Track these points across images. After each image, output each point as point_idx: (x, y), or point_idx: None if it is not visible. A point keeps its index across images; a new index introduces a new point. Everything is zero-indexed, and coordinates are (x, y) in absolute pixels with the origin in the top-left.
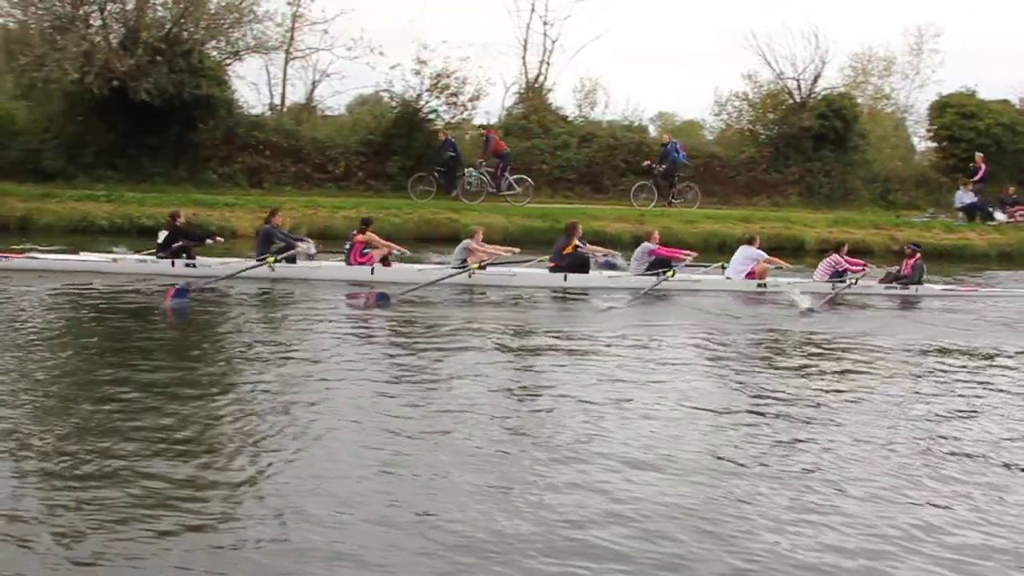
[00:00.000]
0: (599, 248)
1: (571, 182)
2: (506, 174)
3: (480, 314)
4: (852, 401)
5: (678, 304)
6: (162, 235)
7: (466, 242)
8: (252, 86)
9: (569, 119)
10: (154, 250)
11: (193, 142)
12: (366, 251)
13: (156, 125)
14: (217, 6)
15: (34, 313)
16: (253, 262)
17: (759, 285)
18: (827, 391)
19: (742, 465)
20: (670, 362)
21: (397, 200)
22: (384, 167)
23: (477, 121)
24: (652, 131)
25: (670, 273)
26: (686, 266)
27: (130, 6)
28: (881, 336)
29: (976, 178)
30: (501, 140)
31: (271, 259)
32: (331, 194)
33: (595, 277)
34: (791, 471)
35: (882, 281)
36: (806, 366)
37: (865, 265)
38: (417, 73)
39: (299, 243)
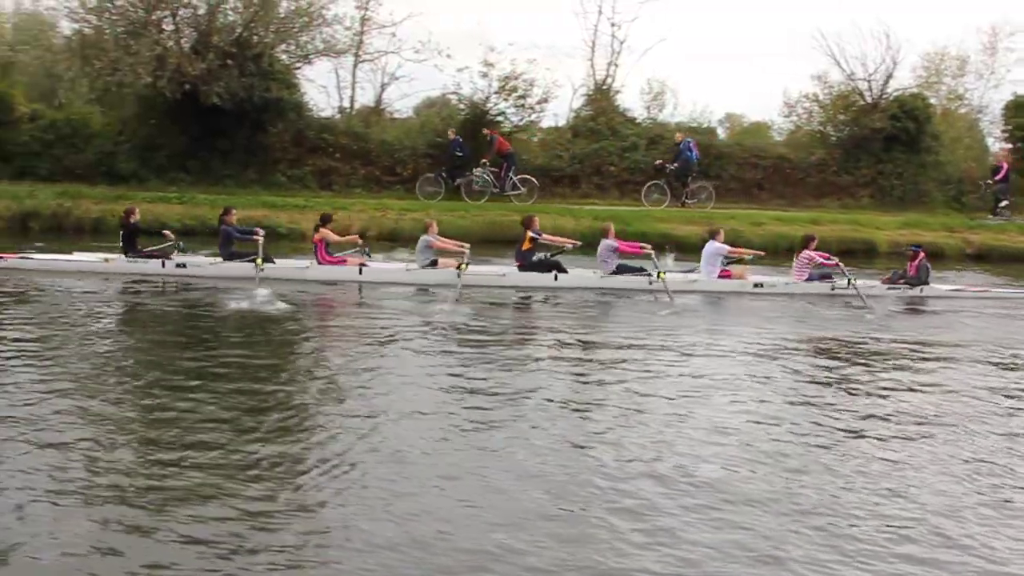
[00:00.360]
0: (559, 239)
1: (639, 184)
2: (510, 174)
3: (492, 317)
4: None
5: (681, 308)
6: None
7: (425, 238)
8: (322, 89)
9: (637, 121)
10: (120, 250)
11: (263, 145)
12: (335, 252)
13: (227, 128)
14: (287, 10)
15: (69, 313)
16: (249, 265)
17: (755, 285)
18: (877, 397)
19: (809, 485)
20: (697, 369)
21: (465, 203)
22: None
23: (544, 124)
24: (720, 133)
25: (663, 274)
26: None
27: (202, 11)
28: (915, 339)
29: (997, 177)
30: (505, 140)
31: (259, 260)
32: (400, 196)
33: (586, 276)
34: (869, 494)
35: (886, 281)
36: (842, 369)
37: (830, 258)
38: (485, 75)
39: (255, 237)
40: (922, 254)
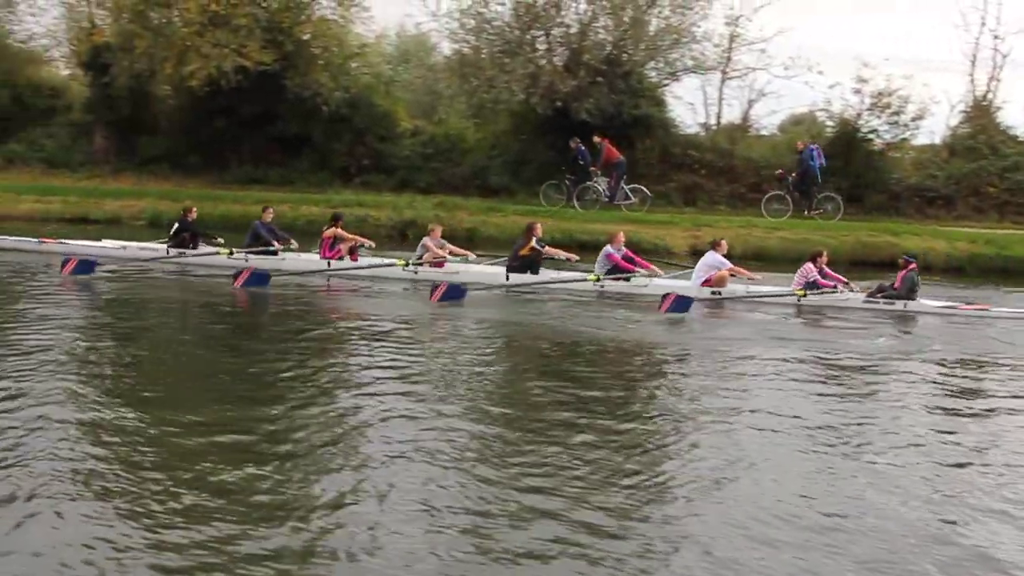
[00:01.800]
0: (560, 251)
1: (1022, 206)
2: (621, 183)
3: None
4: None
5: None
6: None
7: (424, 239)
8: (688, 106)
9: (1021, 139)
10: (166, 239)
11: (630, 160)
12: (335, 245)
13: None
14: (657, 28)
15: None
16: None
17: (712, 292)
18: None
19: None
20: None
21: (836, 222)
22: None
23: (918, 141)
24: None
25: (599, 278)
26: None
27: (574, 30)
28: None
29: None
30: (614, 147)
31: (224, 251)
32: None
33: (540, 275)
34: None
35: (870, 294)
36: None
37: (840, 282)
38: (857, 92)
39: (276, 242)
40: (912, 265)
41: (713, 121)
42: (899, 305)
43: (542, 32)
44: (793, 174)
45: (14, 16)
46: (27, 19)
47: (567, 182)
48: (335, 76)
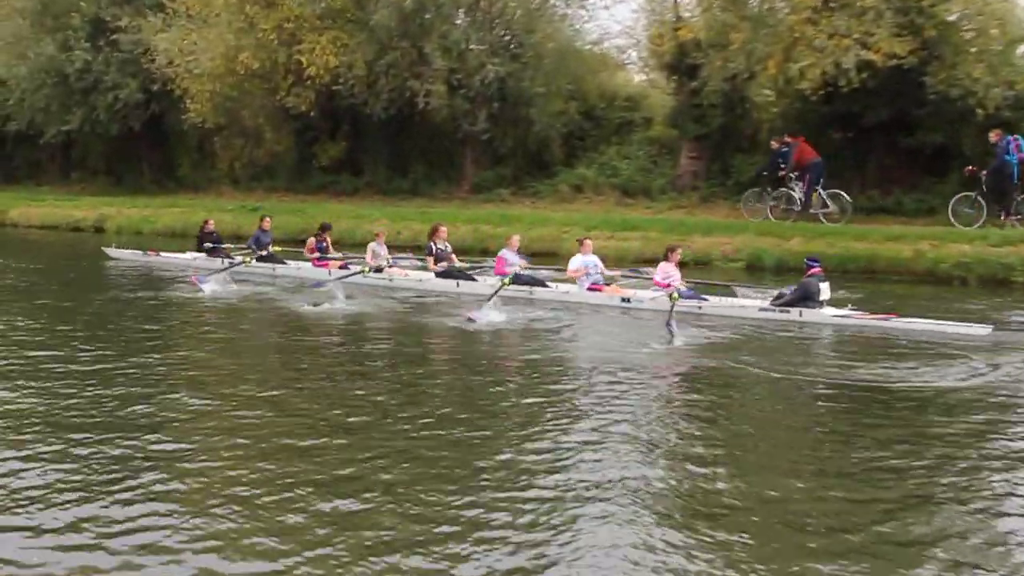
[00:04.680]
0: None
1: None
2: (818, 188)
3: None
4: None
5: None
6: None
7: (371, 244)
8: None
9: None
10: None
11: None
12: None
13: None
14: None
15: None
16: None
17: (623, 300)
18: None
19: None
20: None
21: None
22: None
23: None
24: None
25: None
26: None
27: None
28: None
29: None
30: (808, 146)
31: (248, 259)
32: None
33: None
34: None
35: (773, 302)
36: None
37: (669, 285)
38: None
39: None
40: (812, 269)
41: None
42: (794, 314)
43: None
44: (984, 171)
45: (585, 12)
46: (600, 15)
47: (767, 191)
48: (994, 68)
